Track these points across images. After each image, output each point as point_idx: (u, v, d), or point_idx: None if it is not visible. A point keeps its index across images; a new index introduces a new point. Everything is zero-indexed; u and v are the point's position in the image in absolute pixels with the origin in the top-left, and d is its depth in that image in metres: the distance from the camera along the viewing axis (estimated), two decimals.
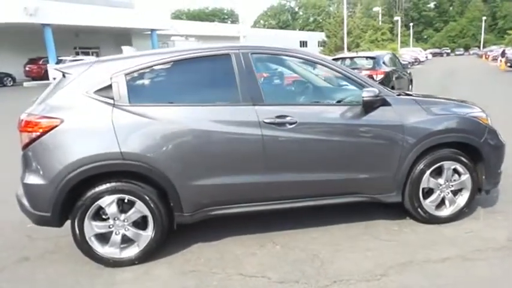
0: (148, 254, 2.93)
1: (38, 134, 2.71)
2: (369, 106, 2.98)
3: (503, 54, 27.69)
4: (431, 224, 3.31)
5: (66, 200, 2.74)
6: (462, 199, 3.32)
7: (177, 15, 73.32)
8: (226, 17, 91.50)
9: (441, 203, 3.32)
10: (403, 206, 3.33)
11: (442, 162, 3.20)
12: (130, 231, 2.88)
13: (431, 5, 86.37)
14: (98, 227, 2.83)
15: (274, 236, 3.28)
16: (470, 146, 3.23)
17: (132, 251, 2.90)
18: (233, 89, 2.94)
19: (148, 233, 2.89)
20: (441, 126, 3.16)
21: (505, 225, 3.29)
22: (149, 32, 34.04)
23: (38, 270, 2.95)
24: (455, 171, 3.27)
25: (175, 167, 2.81)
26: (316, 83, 3.60)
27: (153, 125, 2.79)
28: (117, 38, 35.02)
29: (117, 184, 2.79)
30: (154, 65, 2.92)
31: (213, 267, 2.84)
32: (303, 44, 57.50)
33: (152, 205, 2.84)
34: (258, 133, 2.89)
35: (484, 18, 70.16)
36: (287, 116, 2.93)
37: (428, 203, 3.26)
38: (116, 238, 2.86)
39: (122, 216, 2.84)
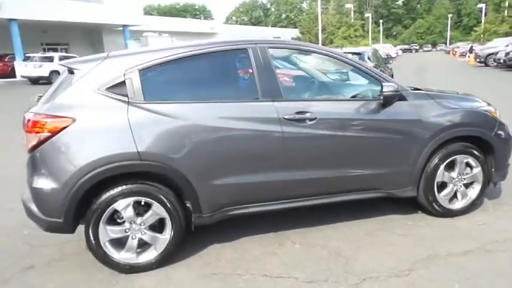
0: (167, 258, 2.80)
1: (48, 134, 2.53)
2: (388, 101, 2.96)
3: (471, 50, 28.74)
4: (444, 218, 3.34)
5: (79, 205, 2.58)
6: (474, 192, 3.37)
7: (148, 11, 71.72)
8: (197, 12, 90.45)
9: (453, 197, 3.35)
10: (415, 200, 3.35)
11: (455, 156, 3.23)
12: (147, 235, 2.74)
13: (400, 2, 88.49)
14: (114, 231, 2.68)
15: (290, 234, 3.22)
16: (481, 139, 3.28)
17: (149, 255, 2.77)
18: (252, 84, 2.85)
19: (166, 236, 2.76)
20: (455, 120, 3.18)
21: None
22: (121, 28, 33.13)
23: (46, 279, 2.77)
24: (467, 164, 3.31)
25: (193, 166, 2.70)
26: (329, 78, 3.56)
27: (170, 123, 2.66)
28: (88, 34, 33.93)
29: (133, 186, 2.65)
30: (169, 61, 2.77)
31: (236, 269, 2.75)
32: None
33: (170, 207, 2.71)
34: (278, 130, 2.81)
35: (450, 15, 72.54)
36: (307, 112, 2.87)
37: (442, 197, 3.29)
38: (133, 243, 2.72)
39: (139, 220, 2.70)
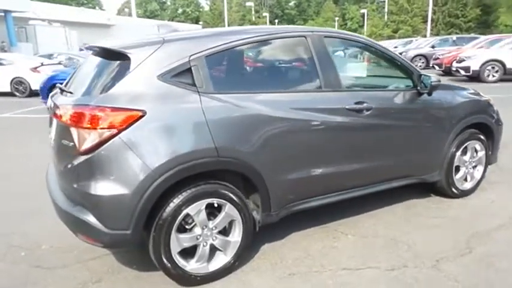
0: (237, 263, 2.56)
1: (115, 131, 2.09)
2: (433, 90, 3.13)
3: None
4: (457, 198, 3.66)
5: (151, 212, 2.20)
6: (478, 173, 3.75)
7: None
8: (85, 1, 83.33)
9: (464, 179, 3.69)
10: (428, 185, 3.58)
11: (468, 142, 3.56)
12: (218, 240, 2.47)
13: (292, 3, 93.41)
14: (185, 239, 2.35)
15: (334, 226, 3.20)
16: (486, 126, 3.66)
17: (219, 262, 2.49)
18: (314, 74, 2.74)
19: (237, 239, 2.52)
20: (471, 109, 3.51)
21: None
22: (2, 14, 28.82)
23: None
24: (474, 149, 3.67)
25: (266, 161, 2.51)
26: (372, 68, 3.64)
27: (243, 115, 2.42)
28: None
29: (205, 186, 2.35)
30: (234, 47, 2.51)
31: (310, 267, 2.63)
32: None
33: (242, 207, 2.48)
34: (343, 120, 2.77)
35: (336, 18, 79.05)
36: (364, 102, 2.87)
37: (457, 179, 3.60)
38: (205, 250, 2.42)
39: (210, 224, 2.42)
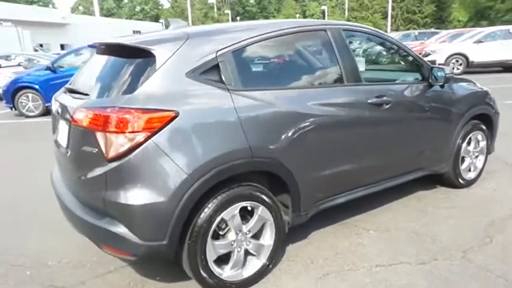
0: (270, 266, 2.46)
1: (148, 134, 1.92)
2: (446, 83, 3.15)
3: None
4: (462, 188, 3.73)
5: (187, 219, 2.06)
6: (480, 163, 3.85)
7: None
8: (35, 0, 79.24)
9: (468, 169, 3.77)
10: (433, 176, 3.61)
11: (473, 132, 3.63)
12: (252, 244, 2.35)
13: (253, 1, 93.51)
14: (221, 246, 2.22)
15: (354, 222, 3.16)
16: (487, 116, 3.75)
17: (253, 267, 2.38)
18: (336, 68, 2.68)
19: (270, 242, 2.42)
20: (475, 100, 3.59)
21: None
22: None
23: None
24: (477, 139, 3.75)
25: (296, 159, 2.41)
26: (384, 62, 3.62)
27: (274, 113, 2.31)
28: None
29: (239, 189, 2.23)
30: (259, 41, 2.39)
31: (342, 265, 2.57)
32: (137, 33, 54.64)
33: (275, 208, 2.38)
34: (366, 115, 2.73)
35: (297, 15, 79.94)
36: (383, 96, 2.84)
37: (463, 170, 3.67)
38: (240, 256, 2.30)
39: (244, 228, 2.30)
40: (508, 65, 13.81)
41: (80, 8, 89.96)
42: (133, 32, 54.70)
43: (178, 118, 1.99)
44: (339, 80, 2.69)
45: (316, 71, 2.77)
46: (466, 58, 13.55)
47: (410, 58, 3.24)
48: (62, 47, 36.44)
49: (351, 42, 2.95)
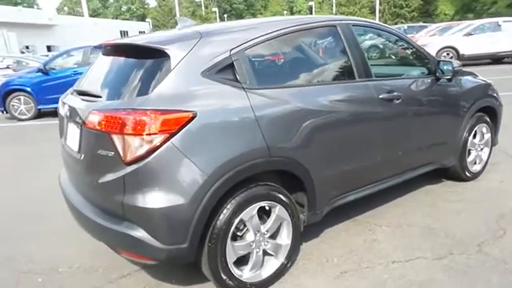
0: (288, 264, 2.43)
1: (166, 135, 1.87)
2: (455, 76, 3.15)
3: None
4: (468, 181, 3.75)
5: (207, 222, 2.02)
6: (485, 155, 3.86)
7: None
8: (19, 1, 77.90)
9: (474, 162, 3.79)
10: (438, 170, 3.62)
11: (478, 125, 3.64)
12: (270, 244, 2.32)
13: None
14: (240, 247, 2.18)
15: (365, 218, 3.15)
16: (491, 109, 3.76)
17: (271, 268, 2.35)
18: (347, 63, 2.66)
19: (287, 242, 2.39)
20: (481, 92, 3.60)
21: None
22: None
23: None
24: (481, 132, 3.77)
25: (313, 157, 2.39)
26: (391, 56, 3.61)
27: (288, 111, 2.28)
28: None
29: (257, 188, 2.19)
30: (271, 38, 2.35)
31: (359, 263, 2.55)
32: (125, 33, 54.19)
33: (292, 207, 2.35)
34: (378, 111, 2.71)
35: (285, 12, 79.94)
36: (394, 91, 2.83)
37: (469, 162, 3.69)
38: (259, 256, 2.27)
39: (262, 228, 2.26)
40: (497, 57, 13.98)
41: (65, 8, 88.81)
42: (121, 32, 54.23)
43: (196, 118, 1.94)
44: (351, 76, 2.66)
45: (328, 67, 2.74)
46: (457, 51, 13.67)
47: (418, 52, 3.23)
48: (49, 48, 35.94)
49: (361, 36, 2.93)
